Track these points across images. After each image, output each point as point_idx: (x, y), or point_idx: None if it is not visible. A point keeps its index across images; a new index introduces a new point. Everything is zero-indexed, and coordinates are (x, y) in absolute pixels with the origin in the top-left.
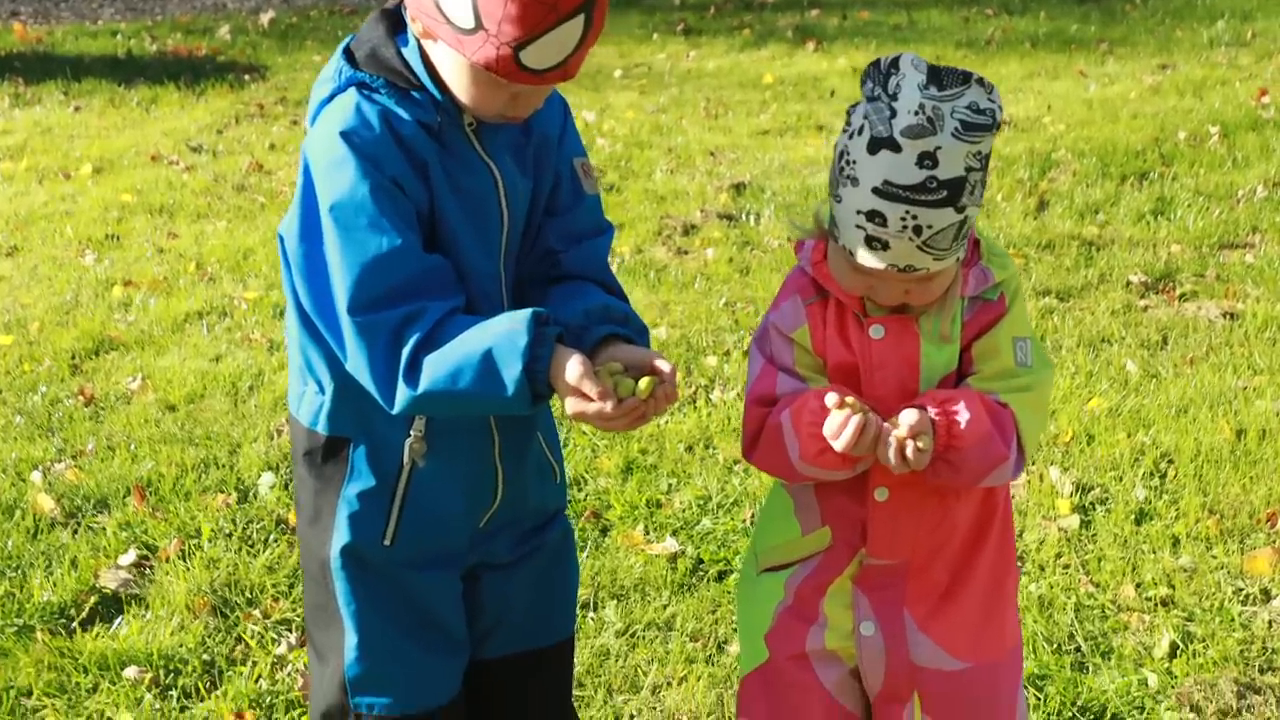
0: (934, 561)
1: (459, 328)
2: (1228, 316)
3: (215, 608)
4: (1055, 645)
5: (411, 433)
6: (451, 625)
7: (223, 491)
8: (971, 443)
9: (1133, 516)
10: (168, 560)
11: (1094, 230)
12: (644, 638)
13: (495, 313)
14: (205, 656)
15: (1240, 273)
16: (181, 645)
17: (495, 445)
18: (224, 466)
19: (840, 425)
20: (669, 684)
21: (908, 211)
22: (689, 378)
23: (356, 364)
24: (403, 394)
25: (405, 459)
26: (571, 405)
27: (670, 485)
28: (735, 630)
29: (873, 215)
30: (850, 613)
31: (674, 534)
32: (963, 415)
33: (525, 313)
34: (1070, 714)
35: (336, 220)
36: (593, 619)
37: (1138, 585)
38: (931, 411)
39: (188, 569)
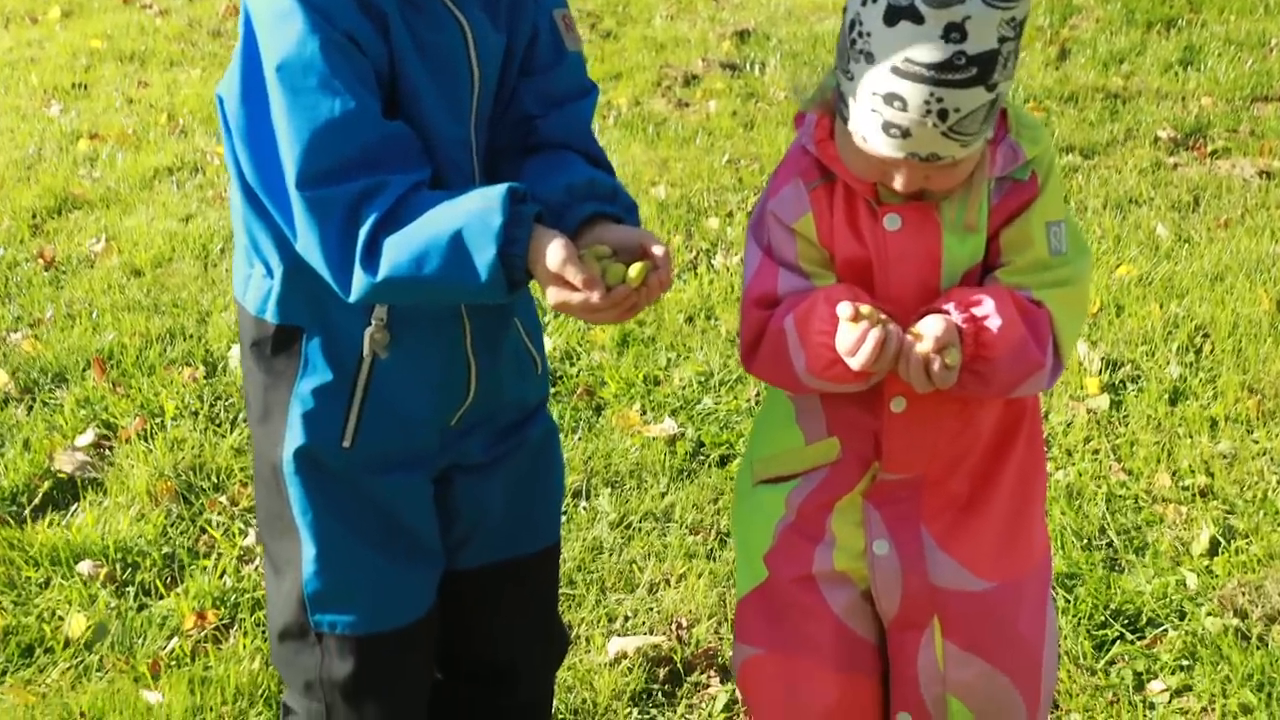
0: (954, 472)
1: (424, 204)
2: (1263, 175)
3: (179, 493)
4: (1085, 540)
5: (372, 321)
6: (422, 533)
7: (189, 365)
8: (1003, 351)
9: (1166, 396)
10: (128, 441)
11: (1119, 82)
12: (640, 530)
13: (465, 186)
14: (166, 549)
15: (1276, 128)
16: (140, 536)
17: (467, 334)
18: (191, 337)
19: (856, 341)
20: (666, 582)
21: (932, 94)
22: (689, 241)
23: (307, 245)
24: (360, 281)
25: (365, 351)
26: (553, 295)
27: (669, 360)
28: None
29: (891, 98)
30: (861, 530)
31: (673, 414)
32: (992, 320)
33: (499, 189)
34: (1102, 618)
35: (282, 81)
36: (585, 509)
37: (1173, 473)
38: (957, 316)
39: (149, 451)
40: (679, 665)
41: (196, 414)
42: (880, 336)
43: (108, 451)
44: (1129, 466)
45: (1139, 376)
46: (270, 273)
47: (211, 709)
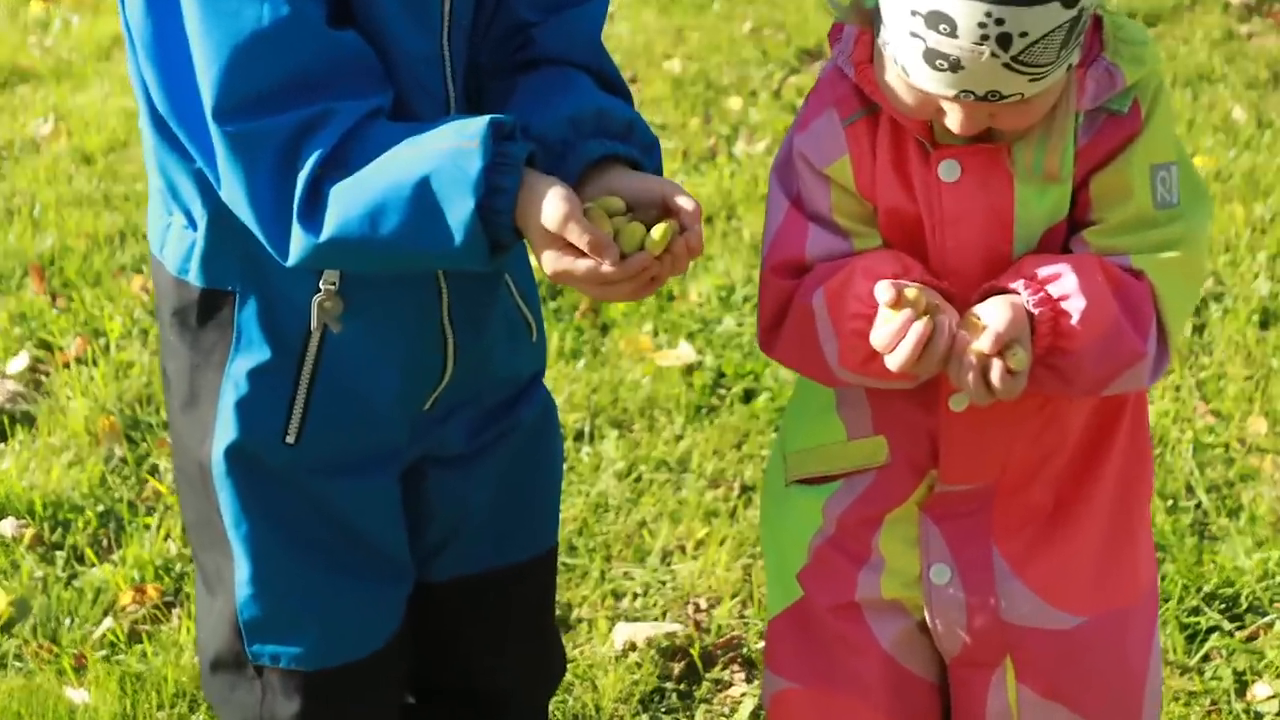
0: (1034, 479)
1: (381, 141)
2: None
3: (122, 432)
4: (1170, 501)
5: (321, 286)
6: (386, 544)
7: (140, 273)
8: (1089, 341)
9: (1256, 319)
10: (67, 366)
11: None
12: (652, 483)
13: (438, 117)
14: (103, 505)
15: None
16: (75, 489)
17: (443, 301)
18: (145, 238)
19: (894, 334)
20: (681, 549)
21: (989, 14)
22: (707, 126)
23: (232, 194)
24: (300, 241)
25: (313, 322)
26: (551, 261)
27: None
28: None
29: (935, 19)
30: (916, 551)
31: (689, 338)
32: (1075, 300)
33: (479, 122)
34: (1194, 603)
35: None
36: (588, 454)
37: (1268, 415)
38: (1028, 298)
39: (91, 379)
40: (696, 658)
41: (146, 333)
42: (924, 332)
43: (43, 378)
44: (1216, 407)
45: (1222, 294)
46: (192, 223)
47: (144, 714)
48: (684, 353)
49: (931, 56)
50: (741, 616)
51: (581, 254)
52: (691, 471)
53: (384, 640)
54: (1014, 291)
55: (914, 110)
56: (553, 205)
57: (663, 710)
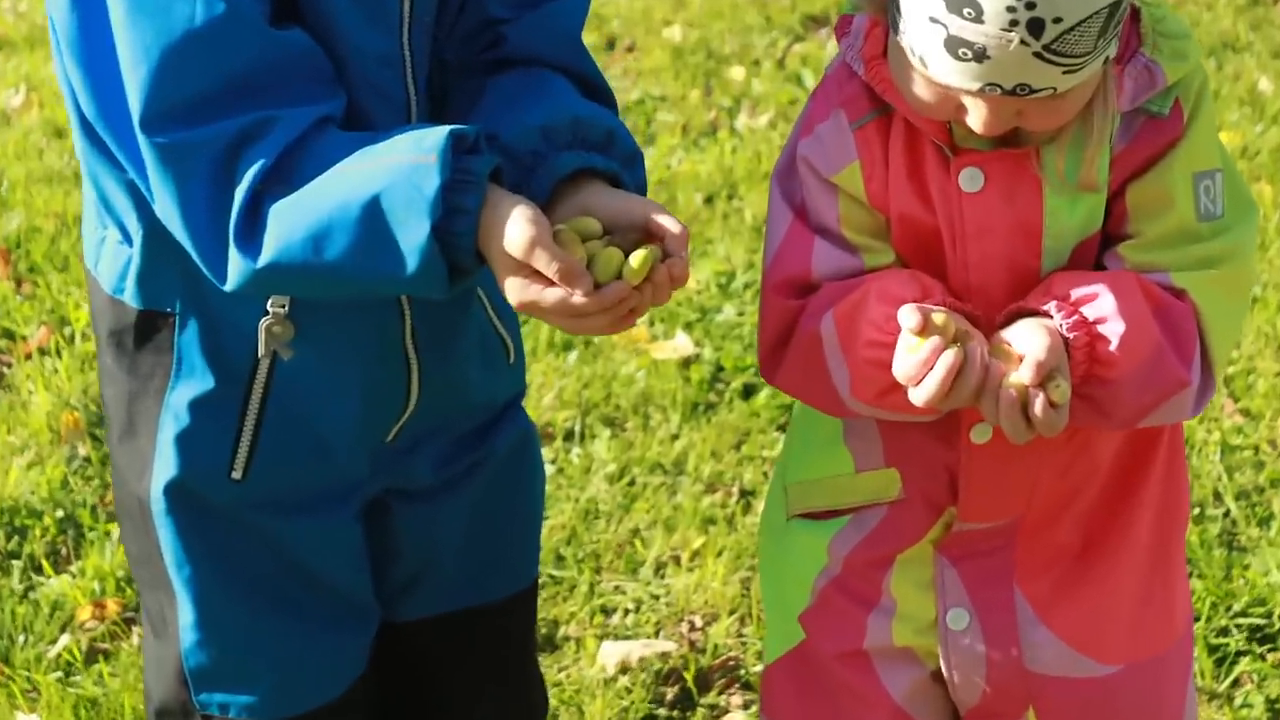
0: (1061, 516)
1: (329, 153)
2: None
3: (85, 430)
4: (1197, 509)
5: (270, 309)
6: (344, 586)
7: None
8: (1128, 369)
9: None
10: (29, 358)
11: None
12: (645, 486)
13: (394, 123)
14: (63, 510)
15: None
16: (34, 492)
17: (406, 323)
18: None
19: (921, 365)
20: (676, 561)
21: None
22: (708, 98)
23: (165, 211)
24: (237, 265)
25: (261, 348)
26: (516, 290)
27: None
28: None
29: (959, 2)
30: (931, 594)
31: (686, 328)
32: (1113, 324)
33: (438, 134)
34: (1222, 623)
35: None
36: (578, 455)
37: None
38: (1061, 322)
39: (54, 371)
40: (690, 682)
41: None
42: (954, 362)
43: (5, 370)
44: (1246, 405)
45: None
46: (127, 238)
47: None
48: (681, 344)
49: (954, 45)
50: (739, 635)
51: (551, 283)
52: (688, 474)
53: (344, 687)
54: (1045, 314)
55: (932, 109)
56: (517, 228)
57: None
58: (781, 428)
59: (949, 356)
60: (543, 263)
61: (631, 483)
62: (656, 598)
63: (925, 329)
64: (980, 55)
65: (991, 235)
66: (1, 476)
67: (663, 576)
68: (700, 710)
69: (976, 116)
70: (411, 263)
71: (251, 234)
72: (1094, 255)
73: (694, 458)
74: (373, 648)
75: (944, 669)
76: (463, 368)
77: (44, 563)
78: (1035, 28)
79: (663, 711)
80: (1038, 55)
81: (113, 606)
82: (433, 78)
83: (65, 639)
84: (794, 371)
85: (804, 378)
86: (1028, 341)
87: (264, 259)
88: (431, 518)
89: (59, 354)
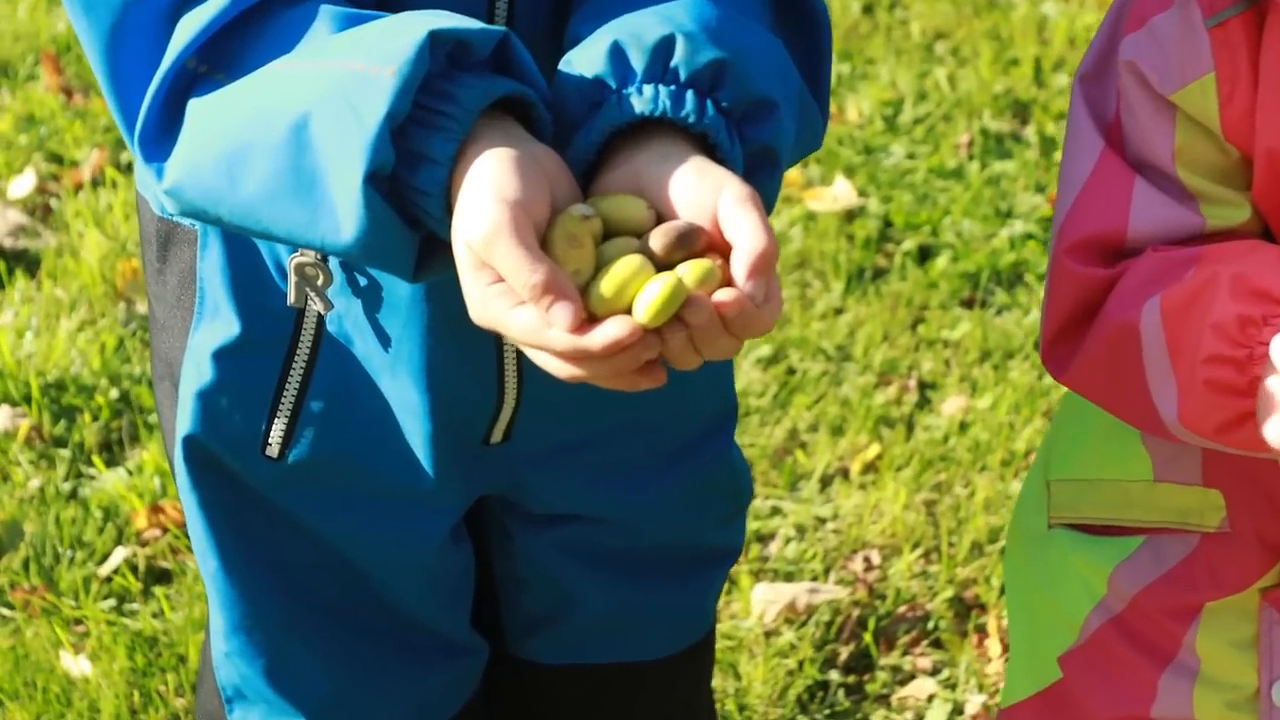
0: None
1: (288, 32)
2: None
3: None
4: None
5: None
6: (427, 616)
7: None
8: None
9: None
10: (79, 190)
11: None
12: (805, 376)
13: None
14: (117, 388)
15: None
16: (84, 362)
17: None
18: None
19: None
20: (844, 476)
21: None
22: None
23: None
24: (148, 176)
25: (291, 293)
26: (475, 299)
27: (839, 77)
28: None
29: None
30: (1252, 657)
31: (847, 172)
32: None
33: (415, 30)
34: None
35: None
36: None
37: None
38: None
39: (109, 207)
40: (868, 637)
41: None
42: None
43: (54, 201)
44: None
45: None
46: None
47: (156, 698)
48: (841, 192)
49: None
50: (924, 574)
51: (521, 300)
52: (854, 360)
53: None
54: None
55: None
56: (480, 205)
57: (825, 713)
58: (967, 303)
59: None
60: (506, 266)
61: (790, 371)
62: (823, 521)
63: None
64: None
65: None
66: (47, 342)
67: (828, 494)
68: (880, 675)
69: None
70: (347, 224)
71: (164, 132)
72: None
73: (862, 339)
74: (484, 682)
75: None
76: None
77: (95, 457)
78: None
79: (835, 676)
80: None
81: (172, 512)
82: None
83: (119, 555)
84: (1094, 371)
85: (1109, 382)
86: None
87: (169, 178)
88: (566, 554)
89: (114, 185)
